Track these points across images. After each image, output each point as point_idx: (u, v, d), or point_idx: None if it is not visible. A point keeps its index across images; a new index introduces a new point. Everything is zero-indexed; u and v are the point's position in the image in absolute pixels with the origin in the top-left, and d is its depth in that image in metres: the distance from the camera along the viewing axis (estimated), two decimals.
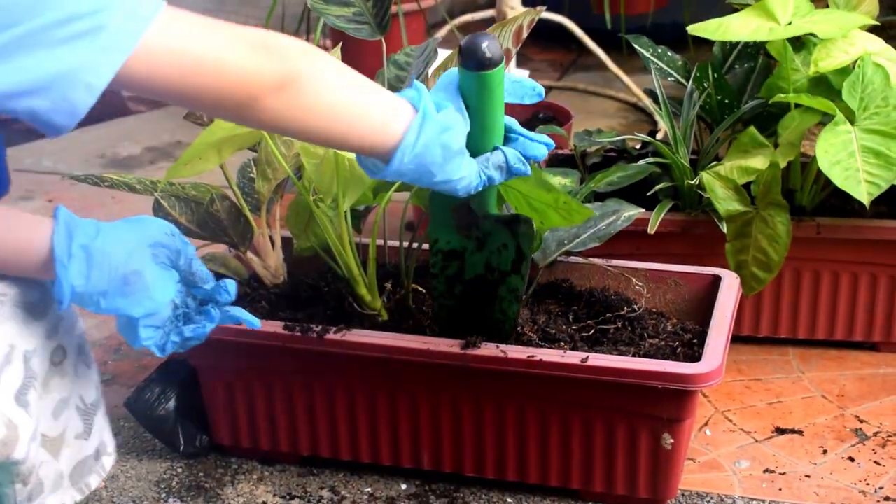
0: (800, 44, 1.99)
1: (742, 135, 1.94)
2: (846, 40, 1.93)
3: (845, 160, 1.82)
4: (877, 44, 1.94)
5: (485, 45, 1.34)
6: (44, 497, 1.29)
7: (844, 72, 1.91)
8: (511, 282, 1.58)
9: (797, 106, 1.93)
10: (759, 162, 1.91)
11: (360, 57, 1.96)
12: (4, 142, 1.25)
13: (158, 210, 1.71)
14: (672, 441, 1.57)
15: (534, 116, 2.64)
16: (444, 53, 1.83)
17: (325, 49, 1.99)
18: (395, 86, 1.82)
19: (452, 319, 1.63)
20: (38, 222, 1.25)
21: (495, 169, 1.38)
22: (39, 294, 1.27)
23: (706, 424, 1.86)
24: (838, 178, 1.80)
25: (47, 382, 1.27)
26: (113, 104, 3.63)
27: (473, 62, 1.34)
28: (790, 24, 1.92)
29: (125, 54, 1.08)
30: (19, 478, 1.25)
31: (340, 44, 1.93)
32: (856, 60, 1.91)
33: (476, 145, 1.38)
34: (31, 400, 1.23)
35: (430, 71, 1.73)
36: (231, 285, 1.34)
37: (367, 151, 1.31)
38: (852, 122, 1.85)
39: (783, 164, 1.91)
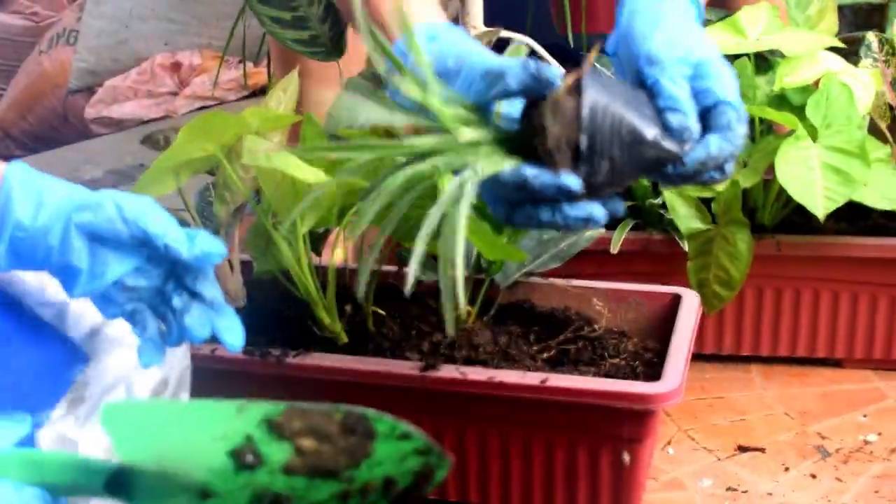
0: (766, 65, 1.99)
1: None
2: (810, 59, 1.94)
3: (805, 175, 1.82)
4: (839, 63, 1.95)
5: None
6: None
7: (806, 90, 1.92)
8: None
9: (761, 122, 1.93)
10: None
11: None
12: None
13: None
14: (630, 457, 1.56)
15: None
16: None
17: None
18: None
19: None
20: None
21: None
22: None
23: (669, 443, 1.86)
24: (796, 192, 1.81)
25: None
26: (75, 127, 3.62)
27: None
28: (758, 39, 1.93)
29: None
30: None
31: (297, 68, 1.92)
32: (819, 79, 1.92)
33: None
34: None
35: None
36: (203, 238, 1.11)
37: None
38: (814, 140, 1.85)
39: (747, 185, 1.91)
